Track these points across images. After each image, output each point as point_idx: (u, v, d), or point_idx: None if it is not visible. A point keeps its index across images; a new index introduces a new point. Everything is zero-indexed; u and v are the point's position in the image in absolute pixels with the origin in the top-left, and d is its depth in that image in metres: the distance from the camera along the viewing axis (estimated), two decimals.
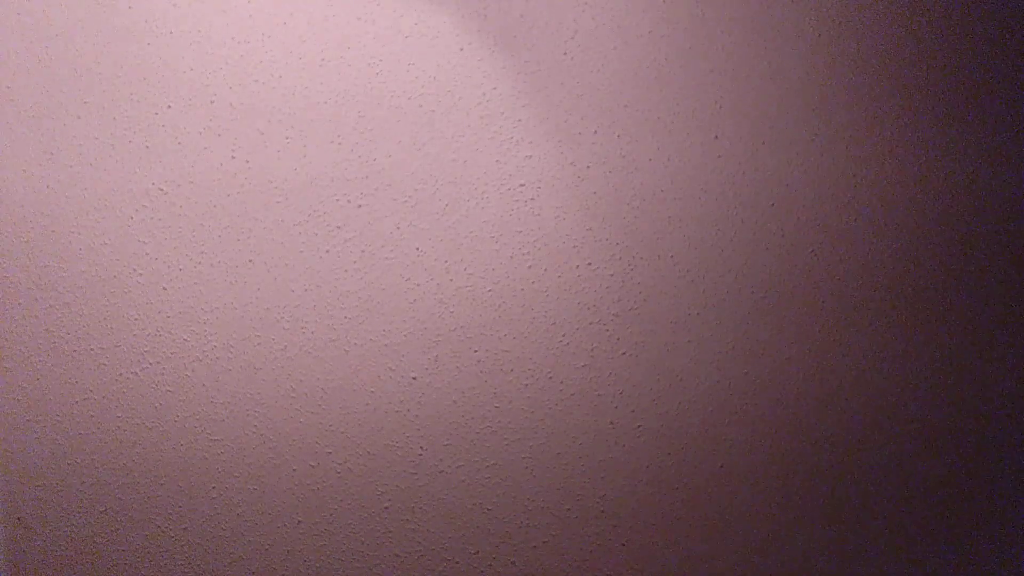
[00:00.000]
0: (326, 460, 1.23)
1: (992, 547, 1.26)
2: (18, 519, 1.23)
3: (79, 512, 1.23)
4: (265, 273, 1.21)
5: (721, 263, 1.23)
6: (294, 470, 1.23)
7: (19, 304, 1.21)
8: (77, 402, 1.22)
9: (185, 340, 1.22)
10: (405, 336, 1.22)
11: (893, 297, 1.24)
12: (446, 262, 1.22)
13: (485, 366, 1.23)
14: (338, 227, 1.21)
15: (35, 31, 1.18)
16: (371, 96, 1.20)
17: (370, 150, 1.21)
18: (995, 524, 1.26)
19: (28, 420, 1.21)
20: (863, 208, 1.23)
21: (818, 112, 1.22)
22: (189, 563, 1.24)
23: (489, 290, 1.23)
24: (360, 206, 1.21)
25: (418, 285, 1.22)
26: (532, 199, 1.22)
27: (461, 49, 1.20)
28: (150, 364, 1.22)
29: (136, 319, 1.21)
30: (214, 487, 1.23)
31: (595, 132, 1.22)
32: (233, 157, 1.20)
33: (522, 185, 1.22)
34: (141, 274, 1.21)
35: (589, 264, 1.23)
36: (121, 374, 1.22)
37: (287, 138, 1.20)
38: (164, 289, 1.21)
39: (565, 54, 1.21)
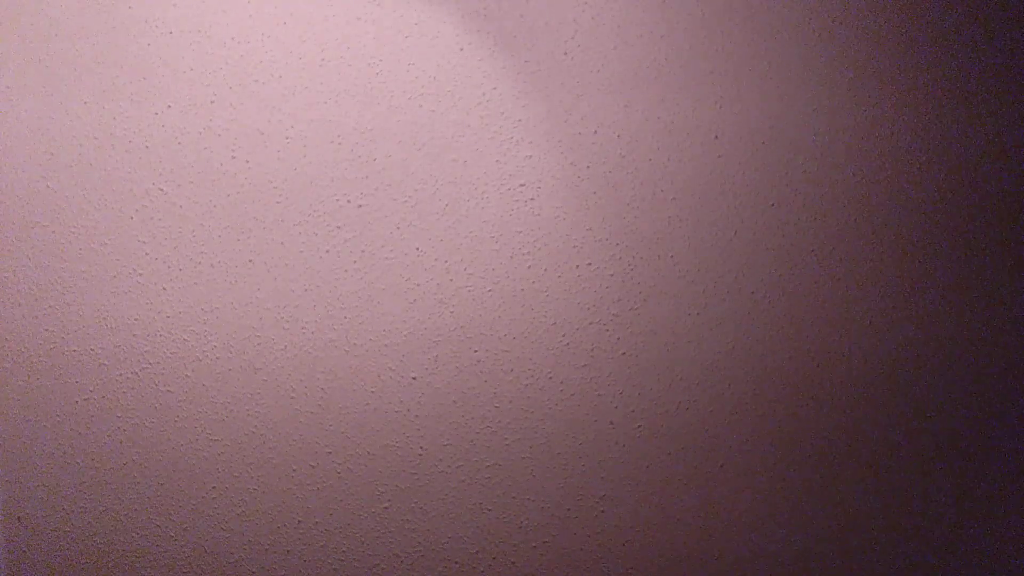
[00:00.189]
0: (326, 460, 1.23)
1: (992, 547, 1.26)
2: (18, 519, 1.23)
3: (79, 512, 1.23)
4: (265, 273, 1.21)
5: (721, 263, 1.23)
6: (294, 470, 1.23)
7: (19, 304, 1.21)
8: (77, 402, 1.22)
9: (185, 340, 1.22)
10: (405, 336, 1.22)
11: (893, 297, 1.24)
12: (446, 262, 1.22)
13: (485, 366, 1.23)
14: (338, 227, 1.22)
15: (35, 31, 1.18)
16: (371, 96, 1.20)
17: (370, 150, 1.21)
18: (995, 524, 1.26)
19: (28, 420, 1.21)
20: (863, 208, 1.23)
21: (818, 112, 1.22)
22: (189, 563, 1.24)
23: (489, 290, 1.23)
24: (360, 206, 1.21)
25: (418, 285, 1.22)
26: (532, 199, 1.22)
27: (461, 49, 1.20)
28: (150, 364, 1.22)
29: (136, 319, 1.21)
30: (214, 487, 1.23)
31: (595, 132, 1.22)
32: (233, 157, 1.20)
33: (522, 185, 1.22)
34: (141, 274, 1.21)
35: (589, 264, 1.23)
36: (121, 374, 1.22)
37: (287, 138, 1.20)
38: (164, 289, 1.21)
39: (565, 54, 1.21)
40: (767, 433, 1.25)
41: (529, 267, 1.23)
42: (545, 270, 1.23)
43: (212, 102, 1.19)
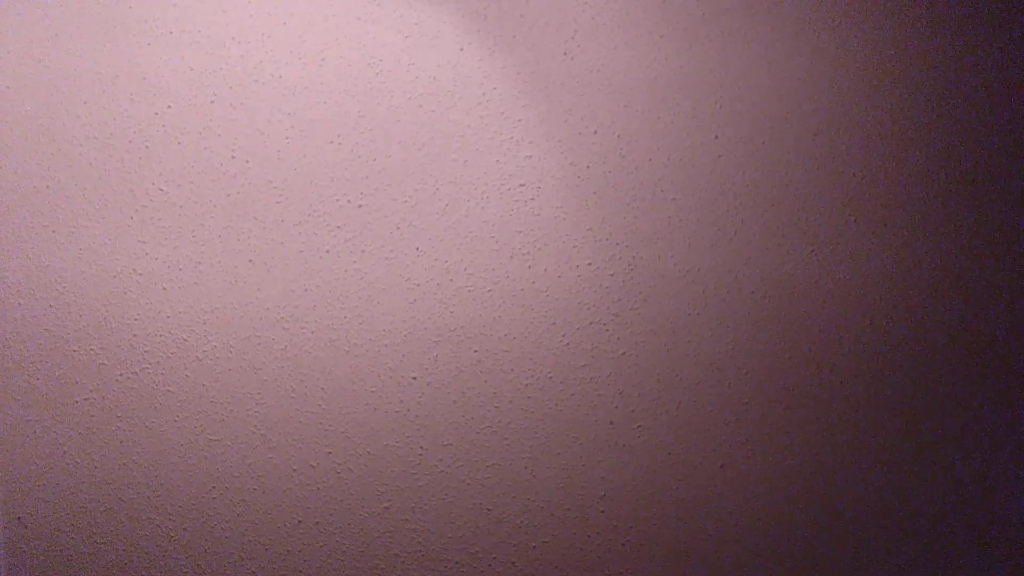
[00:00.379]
0: (326, 460, 1.23)
1: (992, 547, 1.26)
2: (18, 519, 1.23)
3: (79, 512, 1.23)
4: (265, 273, 1.21)
5: (721, 263, 1.23)
6: (294, 470, 1.23)
7: (19, 304, 1.21)
8: (77, 402, 1.22)
9: (185, 340, 1.22)
10: (405, 336, 1.22)
11: (893, 296, 1.24)
12: (446, 262, 1.22)
13: (485, 366, 1.23)
14: (338, 227, 1.22)
15: (35, 31, 1.18)
16: (371, 96, 1.20)
17: (370, 150, 1.21)
18: (995, 524, 1.26)
19: (28, 420, 1.21)
20: (863, 208, 1.23)
21: (818, 112, 1.22)
22: (189, 563, 1.24)
23: (489, 290, 1.23)
24: (360, 206, 1.21)
25: (418, 285, 1.22)
26: (532, 199, 1.22)
27: (461, 49, 1.20)
28: (150, 364, 1.22)
29: (136, 319, 1.21)
30: (214, 487, 1.23)
31: (595, 132, 1.22)
32: (233, 157, 1.20)
33: (522, 185, 1.22)
34: (141, 274, 1.21)
35: (589, 264, 1.23)
36: (121, 374, 1.22)
37: (287, 138, 1.20)
38: (164, 289, 1.21)
39: (565, 54, 1.21)
40: (767, 433, 1.25)
41: (529, 267, 1.23)
42: (545, 270, 1.23)
43: (212, 102, 1.19)
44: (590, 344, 1.24)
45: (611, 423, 1.24)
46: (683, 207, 1.23)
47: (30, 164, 1.19)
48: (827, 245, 1.23)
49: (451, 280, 1.22)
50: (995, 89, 1.23)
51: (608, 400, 1.24)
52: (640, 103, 1.22)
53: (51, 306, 1.21)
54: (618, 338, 1.24)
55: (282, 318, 1.22)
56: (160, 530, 1.23)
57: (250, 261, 1.21)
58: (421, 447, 1.24)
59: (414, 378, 1.23)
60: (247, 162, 1.20)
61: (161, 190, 1.20)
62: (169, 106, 1.19)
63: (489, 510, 1.25)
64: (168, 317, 1.21)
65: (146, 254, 1.21)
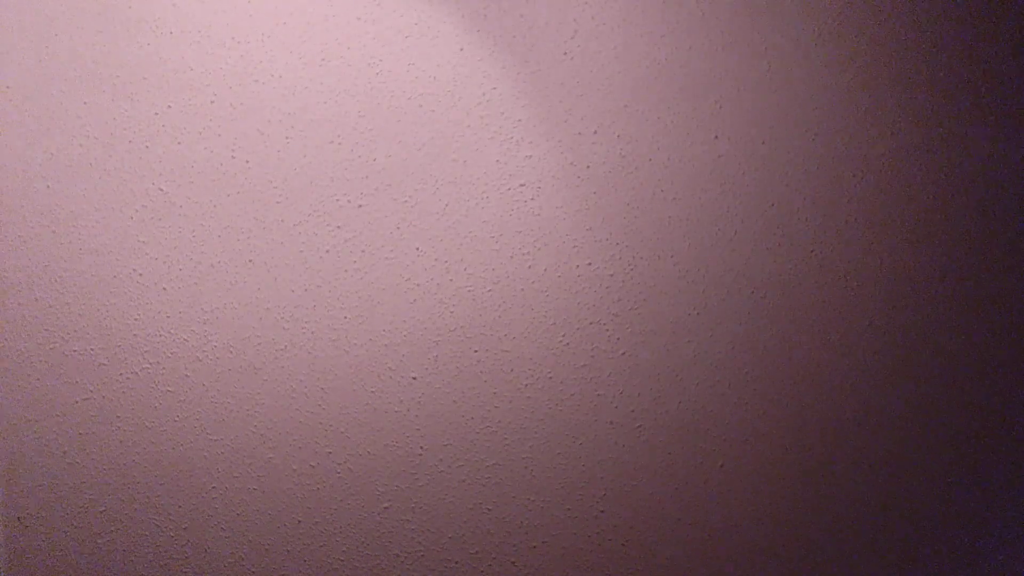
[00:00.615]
0: (326, 460, 1.23)
1: (992, 547, 1.26)
2: (18, 519, 1.23)
3: (79, 512, 1.23)
4: (265, 273, 1.21)
5: (721, 263, 1.23)
6: (294, 470, 1.23)
7: (19, 304, 1.21)
8: (77, 402, 1.22)
9: (185, 340, 1.22)
10: (405, 336, 1.22)
11: (893, 297, 1.24)
12: (446, 262, 1.22)
13: (485, 366, 1.23)
14: (338, 227, 1.22)
15: (35, 31, 1.18)
16: (371, 96, 1.20)
17: (370, 150, 1.21)
18: (995, 524, 1.26)
19: (28, 420, 1.21)
20: (863, 208, 1.23)
21: (818, 112, 1.22)
22: (189, 563, 1.24)
23: (489, 290, 1.23)
24: (360, 206, 1.21)
25: (418, 285, 1.22)
26: (532, 199, 1.22)
27: (461, 49, 1.20)
28: (150, 364, 1.22)
29: (136, 319, 1.21)
30: (214, 487, 1.23)
31: (595, 132, 1.22)
32: (233, 157, 1.20)
33: (522, 185, 1.22)
34: (141, 274, 1.21)
35: (589, 264, 1.23)
36: (121, 374, 1.22)
37: (287, 138, 1.20)
38: (164, 289, 1.21)
39: (565, 54, 1.21)
40: (767, 433, 1.25)
41: (529, 267, 1.23)
42: (545, 270, 1.23)
43: (212, 102, 1.19)
44: (590, 344, 1.24)
45: (611, 423, 1.24)
46: (683, 207, 1.23)
47: (30, 164, 1.19)
48: (827, 245, 1.23)
49: (451, 280, 1.22)
50: (995, 89, 1.23)
51: (608, 400, 1.24)
52: (640, 103, 1.22)
53: (51, 306, 1.21)
54: (618, 338, 1.24)
55: (282, 318, 1.22)
56: (160, 530, 1.23)
57: (250, 261, 1.21)
58: (421, 447, 1.24)
59: (414, 378, 1.23)
60: (247, 162, 1.20)
61: (161, 190, 1.20)
62: (169, 106, 1.19)
63: (489, 510, 1.25)
64: (168, 317, 1.21)
65: (146, 254, 1.21)
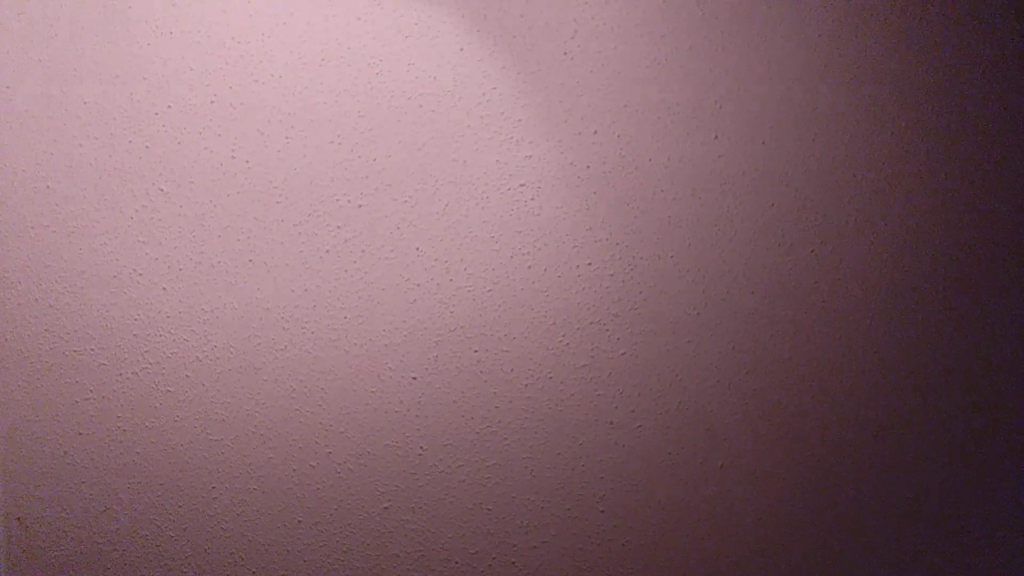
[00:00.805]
0: (326, 460, 1.23)
1: (992, 548, 1.26)
2: (18, 519, 1.23)
3: (79, 512, 1.23)
4: (265, 273, 1.21)
5: (721, 263, 1.23)
6: (294, 470, 1.23)
7: (19, 304, 1.21)
8: (77, 402, 1.22)
9: (185, 340, 1.22)
10: (405, 336, 1.22)
11: (893, 297, 1.24)
12: (446, 262, 1.22)
13: (485, 366, 1.23)
14: (338, 227, 1.22)
15: (35, 31, 1.18)
16: (371, 96, 1.20)
17: (370, 150, 1.21)
18: (995, 525, 1.26)
19: (28, 420, 1.21)
20: (863, 208, 1.23)
21: (818, 112, 1.22)
22: (189, 563, 1.24)
23: (489, 290, 1.23)
24: (360, 206, 1.21)
25: (418, 285, 1.22)
26: (532, 199, 1.22)
27: (461, 49, 1.20)
28: (150, 364, 1.22)
29: (136, 319, 1.21)
30: (214, 487, 1.23)
31: (595, 132, 1.22)
32: (233, 157, 1.20)
33: (522, 185, 1.22)
34: (141, 274, 1.21)
35: (589, 264, 1.23)
36: (121, 374, 1.22)
37: (287, 138, 1.20)
38: (164, 289, 1.21)
39: (565, 54, 1.21)
40: (767, 433, 1.25)
41: (529, 267, 1.23)
42: (545, 270, 1.23)
43: (212, 102, 1.19)
44: (590, 344, 1.24)
45: (611, 423, 1.24)
46: (683, 207, 1.23)
47: (30, 164, 1.19)
48: (827, 245, 1.23)
49: (451, 280, 1.22)
50: (995, 89, 1.23)
51: (608, 400, 1.24)
52: (640, 103, 1.22)
53: (51, 306, 1.21)
54: (618, 338, 1.24)
55: (282, 318, 1.22)
56: (160, 530, 1.23)
57: (250, 261, 1.21)
58: (421, 447, 1.24)
59: (414, 378, 1.23)
60: (247, 162, 1.20)
61: (161, 190, 1.20)
62: (169, 106, 1.19)
63: (489, 510, 1.25)
64: (168, 317, 1.21)
65: (146, 254, 1.21)
